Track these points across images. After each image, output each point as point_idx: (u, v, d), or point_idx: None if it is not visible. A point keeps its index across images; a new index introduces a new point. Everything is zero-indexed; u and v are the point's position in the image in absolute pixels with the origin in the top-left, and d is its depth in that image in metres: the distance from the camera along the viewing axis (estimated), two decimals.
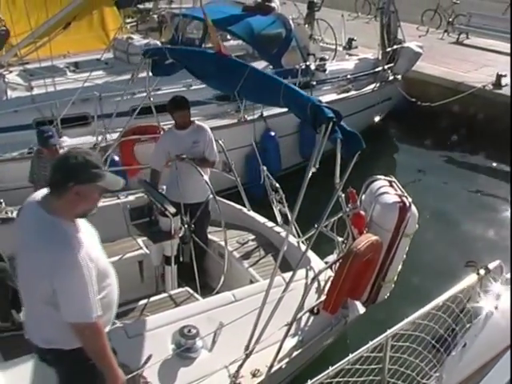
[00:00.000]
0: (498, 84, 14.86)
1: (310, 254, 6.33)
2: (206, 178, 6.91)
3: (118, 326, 4.95)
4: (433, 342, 4.92)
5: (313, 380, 4.15)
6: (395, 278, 6.02)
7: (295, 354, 5.33)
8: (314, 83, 12.24)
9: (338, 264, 5.57)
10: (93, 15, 12.86)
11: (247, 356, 4.87)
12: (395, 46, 13.41)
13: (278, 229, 7.36)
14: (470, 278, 5.25)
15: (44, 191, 3.79)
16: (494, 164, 13.08)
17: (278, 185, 7.22)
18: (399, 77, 13.60)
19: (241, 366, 4.89)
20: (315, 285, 5.77)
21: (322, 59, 13.29)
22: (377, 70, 13.38)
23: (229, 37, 13.65)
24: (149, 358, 4.64)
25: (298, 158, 11.19)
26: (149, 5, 16.18)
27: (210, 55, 6.99)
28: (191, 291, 6.42)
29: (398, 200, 5.66)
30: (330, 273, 5.93)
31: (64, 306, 3.61)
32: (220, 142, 7.57)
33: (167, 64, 7.31)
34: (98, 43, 12.14)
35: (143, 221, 6.63)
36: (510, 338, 4.71)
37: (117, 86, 10.38)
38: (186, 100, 7.26)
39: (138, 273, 6.96)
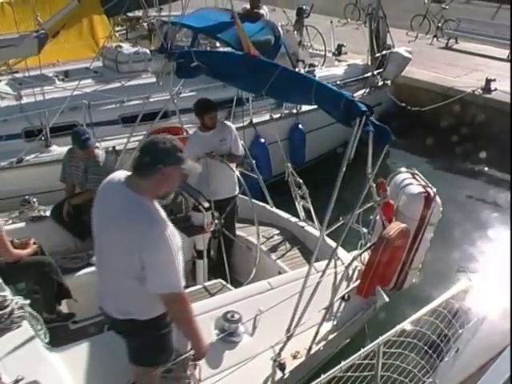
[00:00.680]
0: (487, 89, 14.89)
1: (341, 249, 6.47)
2: (237, 172, 7.29)
3: None
4: (425, 347, 4.91)
5: None
6: (420, 266, 6.26)
7: (331, 337, 5.66)
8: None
9: (370, 251, 5.87)
10: (82, 23, 12.84)
11: (288, 338, 5.14)
12: (384, 52, 13.44)
13: (301, 223, 7.70)
14: (462, 284, 5.25)
15: (122, 173, 4.16)
16: (485, 168, 13.10)
17: (301, 181, 7.57)
18: (389, 82, 13.63)
19: (282, 349, 5.16)
20: (345, 273, 6.04)
21: (312, 65, 13.31)
22: (366, 75, 13.41)
23: (218, 44, 13.66)
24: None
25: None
26: (138, 13, 16.14)
27: (240, 56, 7.28)
28: (224, 282, 6.65)
29: (423, 190, 5.97)
30: (355, 263, 6.22)
31: (153, 278, 3.91)
32: (241, 142, 7.73)
33: (192, 67, 7.42)
34: (87, 52, 12.10)
35: (175, 217, 6.74)
36: (503, 343, 4.71)
37: (106, 94, 10.38)
38: (212, 102, 7.56)
39: None
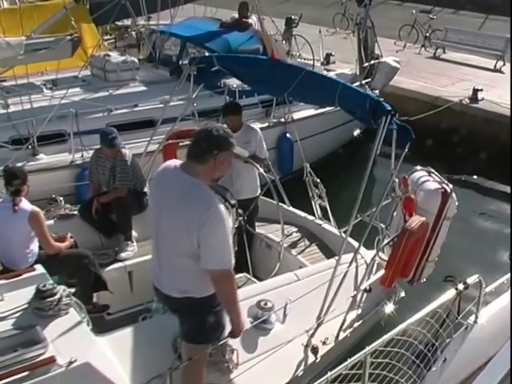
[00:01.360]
0: (474, 98, 14.97)
1: (353, 242, 6.67)
2: (262, 170, 7.50)
3: None
4: (413, 357, 4.90)
5: None
6: (436, 259, 6.48)
7: (356, 325, 5.98)
8: (292, 98, 12.26)
9: (392, 243, 6.15)
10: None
11: (318, 325, 5.44)
12: (373, 61, 13.44)
13: (318, 221, 8.01)
14: (449, 293, 5.25)
15: (175, 161, 4.55)
16: (474, 177, 13.13)
17: (318, 180, 7.89)
18: (377, 91, 13.65)
19: (313, 335, 5.47)
20: (369, 265, 6.31)
21: None
22: (354, 84, 13.44)
23: (206, 53, 13.66)
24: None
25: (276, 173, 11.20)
26: (127, 22, 16.15)
27: (264, 61, 7.80)
28: (249, 276, 6.95)
29: (440, 187, 6.29)
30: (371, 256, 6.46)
31: (208, 255, 4.25)
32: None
33: (212, 71, 7.61)
34: (75, 60, 12.07)
35: None
36: (490, 352, 4.73)
37: (94, 103, 10.37)
38: (239, 106, 7.79)
39: None
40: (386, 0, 26.28)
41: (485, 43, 19.05)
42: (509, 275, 5.95)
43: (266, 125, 11.46)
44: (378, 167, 7.55)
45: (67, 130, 9.90)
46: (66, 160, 9.69)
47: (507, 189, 12.44)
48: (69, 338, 4.62)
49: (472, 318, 5.22)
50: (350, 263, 5.84)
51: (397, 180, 6.12)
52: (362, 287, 5.99)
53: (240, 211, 6.92)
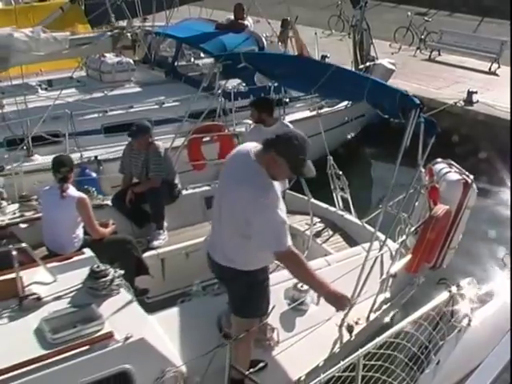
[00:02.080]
0: (469, 101, 15.01)
1: (379, 234, 6.95)
2: None
3: None
4: (406, 360, 4.91)
5: None
6: (456, 246, 6.70)
7: (384, 307, 6.22)
8: (287, 100, 12.27)
9: (419, 230, 6.35)
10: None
11: (351, 306, 5.51)
12: (368, 63, 13.45)
13: (339, 212, 8.33)
14: (442, 296, 5.27)
15: (251, 144, 4.75)
16: None
17: (341, 173, 8.18)
18: None
19: (347, 315, 5.67)
20: (388, 253, 6.57)
21: None
22: None
23: (202, 55, 13.68)
24: (272, 308, 5.23)
25: None
26: (122, 23, 16.13)
27: (292, 58, 8.45)
28: (278, 262, 6.95)
29: (461, 178, 6.52)
30: (395, 245, 6.64)
31: (261, 237, 4.52)
32: None
33: (239, 68, 7.88)
34: (70, 61, 12.07)
35: None
36: (484, 354, 4.73)
37: (89, 104, 10.37)
38: (262, 102, 8.04)
39: None
40: (381, 2, 26.27)
41: (480, 46, 19.07)
42: (502, 278, 6.02)
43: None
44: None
45: (62, 130, 9.90)
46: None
47: (504, 190, 12.44)
48: (123, 316, 4.94)
49: (465, 320, 5.22)
50: (381, 249, 6.11)
51: (423, 170, 6.37)
52: (392, 271, 6.16)
53: None
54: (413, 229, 6.44)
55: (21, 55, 9.18)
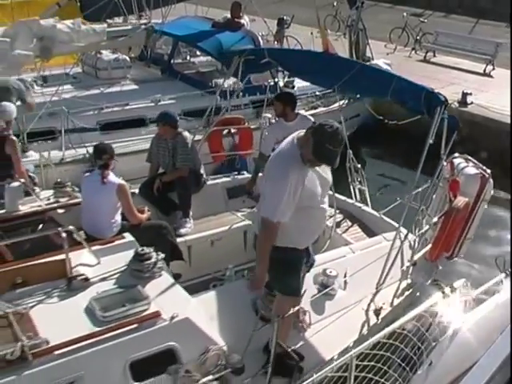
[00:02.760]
0: (463, 102, 15.05)
1: (393, 223, 7.59)
2: None
3: None
4: (398, 360, 4.91)
5: None
6: (472, 237, 6.77)
7: (406, 293, 6.28)
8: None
9: (440, 220, 6.44)
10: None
11: (377, 292, 5.85)
12: None
13: (357, 204, 8.57)
14: (436, 297, 5.30)
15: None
16: None
17: (359, 166, 8.45)
18: None
19: (372, 300, 5.88)
20: (406, 243, 6.60)
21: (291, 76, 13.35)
22: None
23: (198, 53, 13.68)
24: (304, 292, 5.46)
25: None
26: (118, 20, 16.13)
27: (318, 54, 8.58)
28: None
29: (479, 171, 6.63)
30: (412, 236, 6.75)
31: (264, 203, 4.94)
32: None
33: (261, 63, 8.19)
34: (66, 57, 12.06)
35: (251, 196, 8.16)
36: (476, 356, 4.78)
37: (85, 100, 10.35)
38: (288, 95, 8.37)
39: (242, 241, 8.00)
40: (377, 3, 26.30)
41: (475, 47, 19.11)
42: (495, 280, 6.06)
43: (257, 125, 11.48)
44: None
45: (58, 127, 9.89)
46: (57, 157, 9.66)
47: (500, 192, 12.47)
48: (166, 297, 5.17)
49: (458, 321, 5.27)
50: (404, 238, 6.29)
51: (445, 163, 6.50)
52: (415, 258, 6.29)
53: None
54: (435, 219, 6.55)
55: (63, 45, 9.52)
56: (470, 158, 6.94)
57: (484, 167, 6.72)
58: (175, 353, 4.85)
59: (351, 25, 14.09)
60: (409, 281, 6.39)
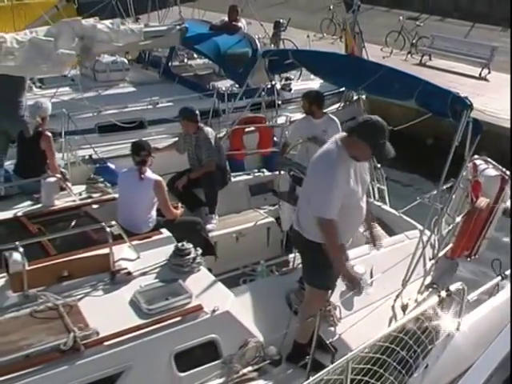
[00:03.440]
0: None
1: (413, 222, 7.81)
2: None
3: None
4: (394, 363, 4.93)
5: None
6: (490, 237, 6.99)
7: (430, 289, 6.35)
8: (280, 102, 12.32)
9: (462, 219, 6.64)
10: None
11: (403, 288, 6.05)
12: None
13: (376, 203, 8.56)
14: (432, 300, 5.34)
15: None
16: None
17: (379, 165, 8.45)
18: (363, 96, 13.71)
19: (398, 296, 6.08)
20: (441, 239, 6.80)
21: (288, 79, 13.38)
22: (341, 89, 13.49)
23: (195, 55, 13.72)
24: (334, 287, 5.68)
25: None
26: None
27: (343, 57, 8.91)
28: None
29: (499, 173, 6.81)
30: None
31: (311, 201, 5.04)
32: None
33: (285, 64, 8.46)
34: None
35: (276, 192, 8.19)
36: (472, 359, 4.81)
37: (83, 103, 10.37)
38: (315, 94, 8.38)
39: (265, 238, 8.20)
40: (373, 6, 26.36)
41: (470, 51, 19.14)
42: (492, 283, 6.10)
43: (253, 128, 11.54)
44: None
45: (57, 129, 9.87)
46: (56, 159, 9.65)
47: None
48: (206, 291, 5.36)
49: (454, 325, 5.30)
50: (429, 238, 6.47)
51: (470, 164, 6.66)
52: (440, 255, 6.48)
53: None
54: (459, 218, 6.67)
55: (102, 45, 9.59)
56: (489, 159, 7.09)
57: (504, 169, 6.90)
58: (216, 344, 5.06)
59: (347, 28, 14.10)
60: (430, 278, 6.50)
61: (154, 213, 6.84)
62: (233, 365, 4.63)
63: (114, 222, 5.62)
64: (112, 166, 9.48)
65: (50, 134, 7.53)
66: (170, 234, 6.13)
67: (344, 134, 5.10)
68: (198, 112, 8.04)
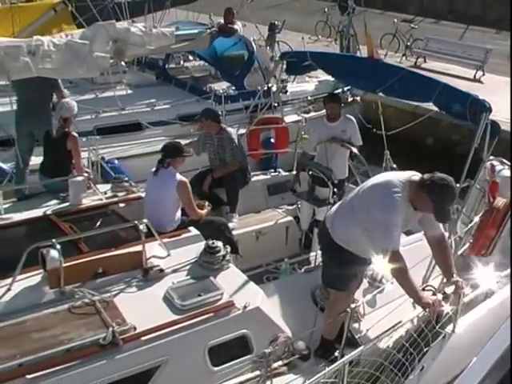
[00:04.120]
0: None
1: None
2: (355, 150, 8.31)
3: None
4: (390, 366, 4.99)
5: None
6: (505, 236, 6.96)
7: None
8: (276, 104, 12.36)
9: (480, 219, 6.74)
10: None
11: (423, 283, 5.96)
12: None
13: None
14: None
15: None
16: (457, 185, 13.23)
17: (395, 166, 8.62)
18: (358, 98, 13.79)
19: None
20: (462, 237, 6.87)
21: (283, 81, 13.38)
22: (336, 91, 13.56)
23: (191, 58, 13.75)
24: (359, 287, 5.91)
25: None
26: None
27: (363, 59, 8.97)
28: None
29: None
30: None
31: (375, 230, 5.02)
32: None
33: (303, 65, 8.55)
34: None
35: (295, 192, 8.46)
36: (467, 361, 4.88)
37: (81, 105, 10.38)
38: (336, 95, 8.89)
39: (284, 236, 8.39)
40: (368, 9, 26.40)
41: (465, 53, 19.27)
42: (487, 284, 6.15)
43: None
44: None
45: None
46: None
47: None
48: (237, 287, 5.51)
49: (450, 327, 5.33)
50: (449, 237, 6.31)
51: (488, 163, 6.75)
52: (459, 253, 6.54)
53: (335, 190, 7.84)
54: (477, 218, 6.79)
55: (135, 48, 9.64)
56: (504, 160, 7.30)
57: None
58: (247, 339, 5.22)
59: (342, 30, 14.19)
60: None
61: (178, 213, 6.92)
62: (264, 359, 4.74)
63: (145, 221, 5.75)
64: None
65: (76, 135, 7.64)
66: (198, 232, 6.29)
67: (416, 179, 5.11)
68: (219, 112, 8.30)
